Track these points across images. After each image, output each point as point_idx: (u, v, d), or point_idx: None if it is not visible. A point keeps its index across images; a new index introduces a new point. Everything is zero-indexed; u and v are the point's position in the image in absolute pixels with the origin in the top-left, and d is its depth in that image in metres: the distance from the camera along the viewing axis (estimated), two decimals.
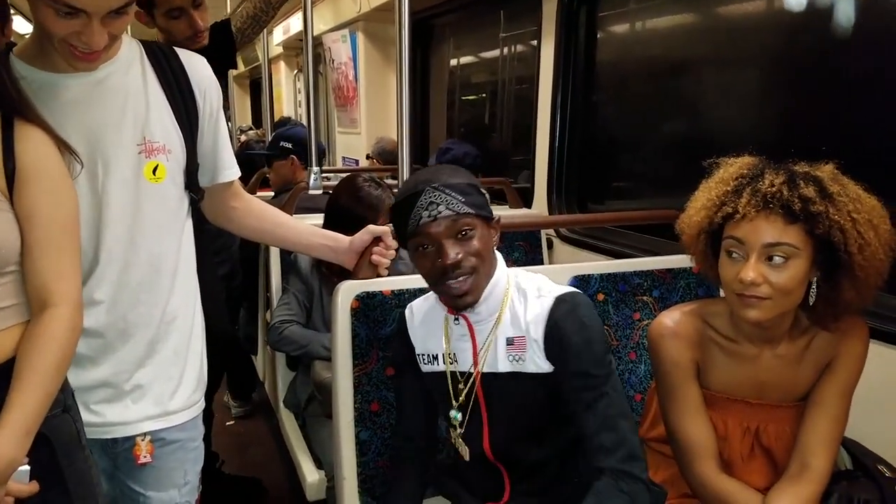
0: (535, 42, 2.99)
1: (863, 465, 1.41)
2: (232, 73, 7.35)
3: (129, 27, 1.22)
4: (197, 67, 1.32)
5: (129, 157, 1.22)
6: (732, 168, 1.27)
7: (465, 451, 1.34)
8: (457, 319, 1.30)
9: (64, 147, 1.09)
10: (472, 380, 1.29)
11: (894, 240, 1.19)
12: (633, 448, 1.21)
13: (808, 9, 1.97)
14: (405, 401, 1.42)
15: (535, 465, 1.31)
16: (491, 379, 1.28)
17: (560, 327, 1.22)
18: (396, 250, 1.65)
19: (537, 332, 1.24)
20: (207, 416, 2.19)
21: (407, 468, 1.41)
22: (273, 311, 2.25)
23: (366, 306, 1.52)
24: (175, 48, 1.32)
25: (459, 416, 1.32)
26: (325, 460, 2.05)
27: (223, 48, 2.22)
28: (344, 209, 2.10)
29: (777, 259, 1.17)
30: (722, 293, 1.30)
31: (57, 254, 1.06)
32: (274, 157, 3.25)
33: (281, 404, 2.45)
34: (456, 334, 1.31)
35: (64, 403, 1.11)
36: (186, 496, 1.36)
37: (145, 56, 1.27)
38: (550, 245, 2.85)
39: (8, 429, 0.98)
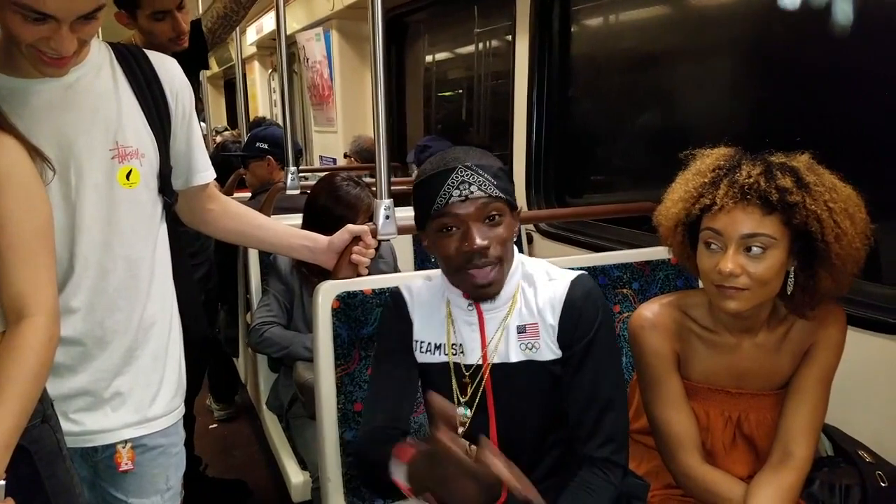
0: (510, 37, 2.98)
1: (843, 452, 1.43)
2: (206, 73, 7.27)
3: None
4: (167, 69, 1.30)
5: (101, 162, 1.20)
6: (709, 159, 1.28)
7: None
8: (470, 306, 1.24)
9: (36, 154, 1.07)
10: (480, 373, 1.24)
11: (869, 228, 1.21)
12: (620, 434, 1.21)
13: None
14: (394, 384, 1.28)
15: (536, 458, 1.27)
16: (501, 370, 1.24)
17: (577, 309, 1.20)
18: (376, 249, 1.64)
19: (553, 317, 1.22)
20: (189, 420, 2.16)
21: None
22: (253, 312, 2.24)
23: (347, 306, 1.51)
24: (144, 50, 1.30)
25: (469, 413, 1.25)
26: (309, 461, 2.04)
27: (194, 49, 2.19)
28: (322, 209, 2.09)
29: (755, 250, 1.18)
30: (701, 284, 1.31)
31: (32, 262, 1.04)
32: (250, 158, 3.23)
33: (264, 406, 2.43)
34: (462, 324, 1.26)
35: (43, 413, 1.09)
36: (169, 501, 1.35)
37: (115, 59, 1.25)
38: (531, 240, 2.86)
39: None
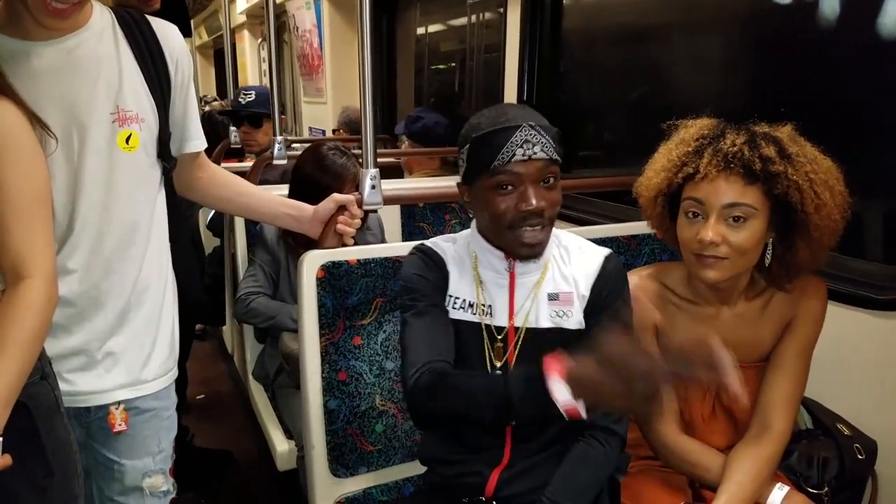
0: (502, 9, 2.95)
1: (822, 424, 1.46)
2: (195, 42, 7.17)
3: None
4: (169, 36, 1.31)
5: (102, 125, 1.21)
6: (693, 129, 1.28)
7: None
8: (506, 269, 1.23)
9: (35, 121, 1.08)
10: (516, 336, 1.23)
11: (848, 201, 1.22)
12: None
13: None
14: (437, 330, 1.22)
15: (545, 424, 1.25)
16: (530, 334, 1.23)
17: (608, 281, 1.23)
18: (363, 220, 1.63)
19: (586, 288, 1.23)
20: (181, 384, 2.17)
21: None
22: (239, 283, 2.23)
23: (331, 276, 1.50)
24: (147, 16, 1.30)
25: None
26: (294, 431, 2.05)
27: (175, 15, 2.16)
28: (308, 178, 2.07)
29: (736, 219, 1.19)
30: None
31: (29, 225, 1.05)
32: (266, 116, 3.13)
33: (250, 376, 2.43)
34: (492, 285, 1.24)
35: (42, 371, 1.11)
36: (161, 464, 1.36)
37: (117, 24, 1.25)
38: None
39: None
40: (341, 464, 1.53)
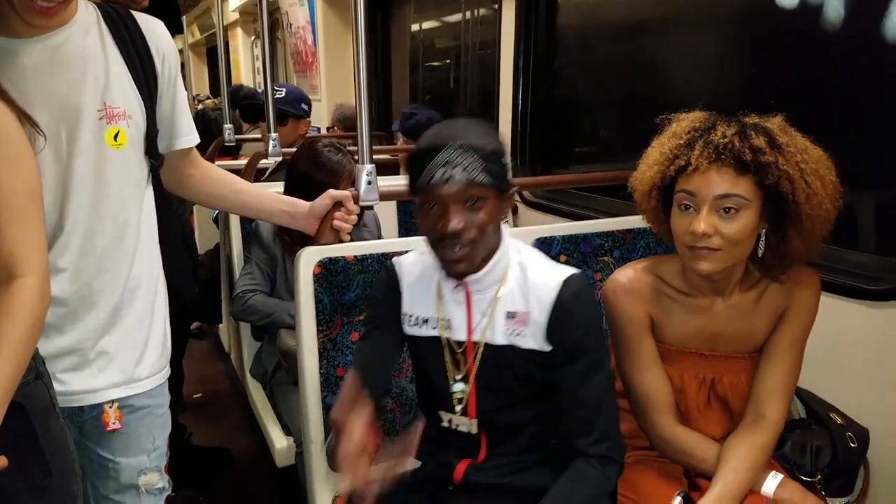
0: (497, 5, 2.95)
1: (816, 414, 1.47)
2: (188, 40, 7.15)
3: None
4: (155, 31, 1.30)
5: (90, 123, 1.20)
6: (685, 122, 1.29)
7: (472, 426, 1.28)
8: (458, 286, 1.25)
9: (25, 118, 1.08)
10: (474, 350, 1.25)
11: (839, 191, 1.23)
12: (614, 431, 1.24)
13: None
14: (375, 354, 1.32)
15: (515, 427, 1.29)
16: (487, 350, 1.25)
17: (566, 310, 1.20)
18: (359, 216, 1.64)
19: (542, 315, 1.21)
20: (177, 382, 2.17)
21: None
22: (236, 281, 2.23)
23: (328, 272, 1.51)
24: (132, 11, 1.30)
25: (468, 389, 1.26)
26: (293, 427, 2.06)
27: (166, 12, 2.16)
28: (303, 175, 2.07)
29: (728, 211, 1.20)
30: None
31: (21, 223, 1.05)
32: (292, 115, 3.09)
33: (248, 374, 2.44)
34: (450, 300, 1.27)
35: (36, 370, 1.10)
36: (155, 461, 1.36)
37: (102, 19, 1.25)
38: (515, 210, 2.86)
39: None
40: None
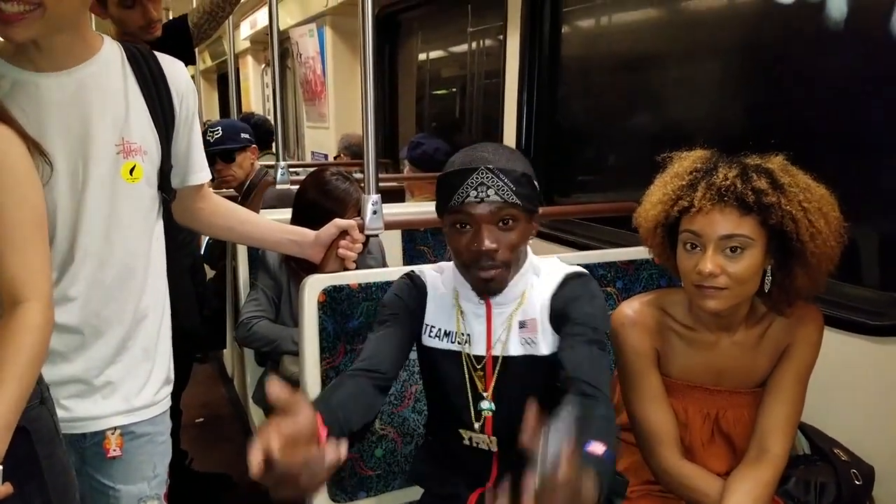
0: (502, 37, 3.00)
1: (820, 450, 1.46)
2: (199, 67, 7.24)
3: (92, 22, 1.20)
4: (176, 72, 1.34)
5: (107, 156, 1.23)
6: (686, 162, 1.30)
7: (491, 444, 1.27)
8: (481, 301, 1.26)
9: (34, 148, 1.09)
10: (493, 365, 1.26)
11: (843, 227, 1.23)
12: (605, 387, 1.14)
13: (769, 4, 2.02)
14: (386, 343, 1.26)
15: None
16: (504, 363, 1.26)
17: (566, 296, 1.22)
18: (364, 244, 1.65)
19: (545, 307, 1.23)
20: (176, 412, 2.17)
21: (352, 379, 1.20)
22: (241, 307, 2.24)
23: (333, 300, 1.52)
24: (155, 52, 1.33)
25: (494, 407, 1.26)
26: None
27: (180, 44, 2.20)
28: (311, 203, 2.09)
29: (733, 250, 1.20)
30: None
31: (24, 249, 1.06)
32: (238, 150, 2.98)
33: (250, 400, 2.43)
34: (470, 315, 1.28)
35: (41, 395, 1.11)
36: (156, 489, 1.36)
37: (125, 58, 1.28)
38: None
39: None
40: (340, 488, 1.53)
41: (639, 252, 1.80)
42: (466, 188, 1.16)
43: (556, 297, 1.24)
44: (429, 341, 1.31)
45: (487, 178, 1.16)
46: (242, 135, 2.99)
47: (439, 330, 1.31)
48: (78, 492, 1.19)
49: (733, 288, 1.22)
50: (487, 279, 1.19)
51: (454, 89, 4.19)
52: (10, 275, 1.04)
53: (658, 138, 2.42)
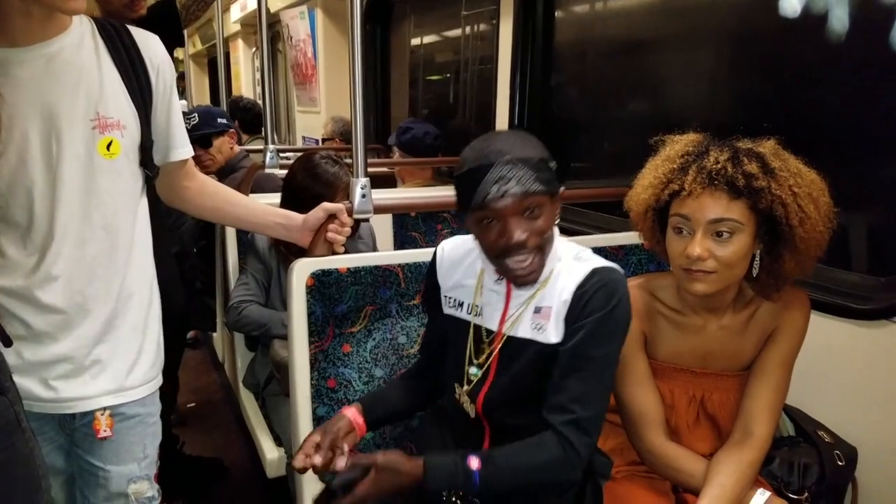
0: (494, 21, 2.98)
1: (804, 432, 1.48)
2: (189, 51, 7.18)
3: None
4: (150, 44, 1.32)
5: (82, 132, 1.21)
6: (678, 146, 1.30)
7: (471, 409, 1.30)
8: (499, 280, 1.26)
9: None
10: (500, 340, 1.26)
11: (833, 212, 1.24)
12: (587, 421, 1.16)
13: None
14: (434, 347, 1.42)
15: (517, 428, 1.24)
16: (510, 342, 1.25)
17: (586, 297, 1.18)
18: (353, 228, 1.65)
19: (564, 305, 1.20)
20: (172, 393, 2.17)
21: (401, 381, 1.45)
22: (231, 291, 2.24)
23: (321, 284, 1.52)
24: (128, 26, 1.31)
25: (480, 373, 1.28)
26: (284, 438, 2.06)
27: (168, 25, 2.18)
28: (300, 187, 2.09)
29: (722, 234, 1.21)
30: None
31: None
32: (216, 134, 3.01)
33: (241, 385, 2.44)
34: (489, 291, 1.29)
35: (1, 385, 1.08)
36: (146, 470, 1.37)
37: (97, 32, 1.26)
38: None
39: None
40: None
41: (628, 237, 1.81)
42: (486, 184, 1.13)
43: (577, 295, 1.19)
44: (448, 310, 1.35)
45: (506, 170, 1.13)
46: (219, 119, 3.02)
47: (455, 300, 1.34)
48: (47, 480, 1.13)
49: (721, 272, 1.23)
50: (523, 273, 1.18)
51: (448, 74, 4.16)
52: None
53: (651, 125, 2.39)
